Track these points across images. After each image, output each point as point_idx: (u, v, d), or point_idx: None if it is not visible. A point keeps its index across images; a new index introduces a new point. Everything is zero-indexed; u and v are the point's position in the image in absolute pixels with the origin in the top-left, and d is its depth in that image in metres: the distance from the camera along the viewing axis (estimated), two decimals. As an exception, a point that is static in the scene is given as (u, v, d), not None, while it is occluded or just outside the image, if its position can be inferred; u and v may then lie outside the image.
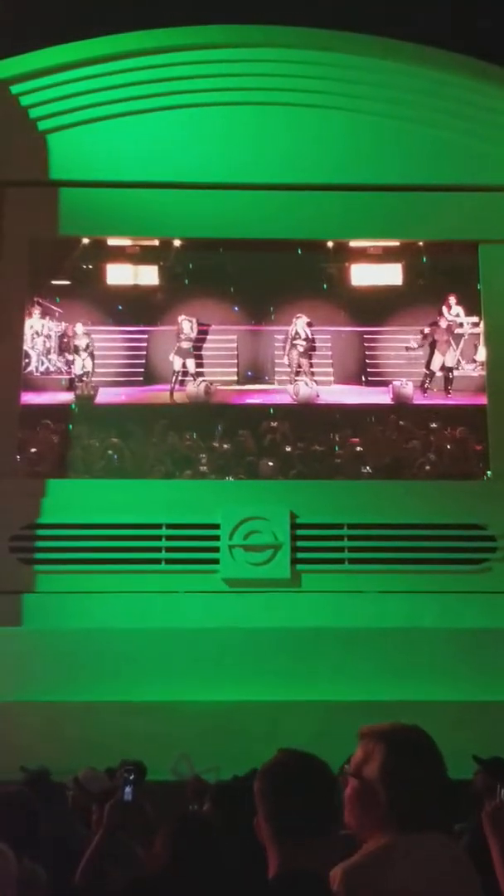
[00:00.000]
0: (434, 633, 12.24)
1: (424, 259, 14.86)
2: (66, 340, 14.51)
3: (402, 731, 2.84)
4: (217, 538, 13.11)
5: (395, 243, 14.90)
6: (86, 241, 14.72)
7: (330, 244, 14.86)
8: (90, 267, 14.77)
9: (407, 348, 14.58)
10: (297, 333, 14.51)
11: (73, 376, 14.44)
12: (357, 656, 11.86)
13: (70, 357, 14.47)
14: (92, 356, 14.49)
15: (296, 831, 2.54)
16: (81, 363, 14.45)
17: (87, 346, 14.49)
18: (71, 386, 14.42)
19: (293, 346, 14.50)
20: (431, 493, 13.67)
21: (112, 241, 14.80)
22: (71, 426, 14.21)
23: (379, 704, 11.04)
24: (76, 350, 14.47)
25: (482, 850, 3.27)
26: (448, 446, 14.23)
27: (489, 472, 13.95)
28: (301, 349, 14.49)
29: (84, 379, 14.42)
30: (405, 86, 14.28)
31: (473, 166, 14.32)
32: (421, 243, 14.88)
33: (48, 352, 14.48)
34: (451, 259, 14.86)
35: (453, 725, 10.60)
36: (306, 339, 14.52)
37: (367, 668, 11.69)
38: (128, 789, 4.21)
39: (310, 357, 14.55)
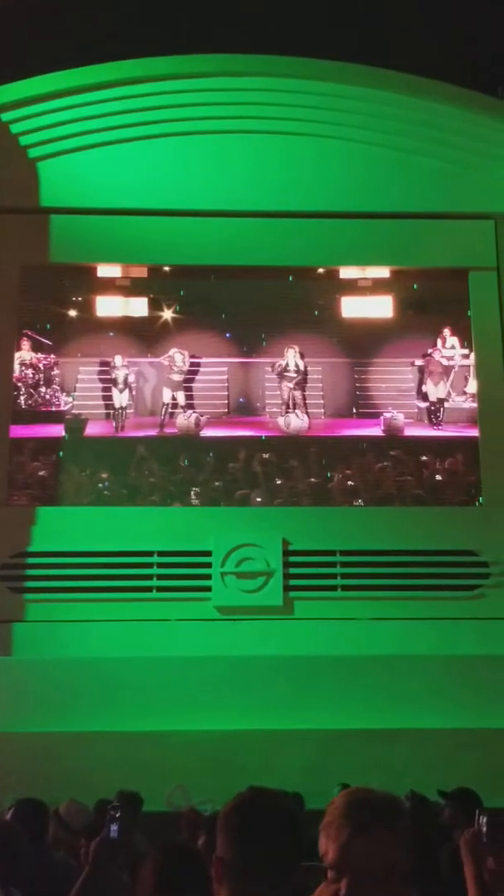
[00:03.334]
0: (428, 660, 12.15)
1: (416, 286, 14.88)
2: (107, 372, 14.35)
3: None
4: (209, 565, 13.00)
5: (385, 273, 14.91)
6: (76, 271, 14.67)
7: (322, 273, 14.90)
8: (80, 299, 14.67)
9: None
10: (287, 365, 14.49)
11: (68, 409, 14.32)
12: (351, 684, 11.77)
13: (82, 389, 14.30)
14: (130, 389, 14.34)
15: (255, 875, 2.36)
16: (119, 397, 14.26)
17: (126, 379, 14.33)
18: (108, 417, 14.25)
19: (284, 377, 14.47)
20: (424, 520, 13.61)
21: (102, 272, 14.74)
22: (61, 457, 14.08)
23: (373, 732, 11.01)
24: (115, 383, 14.29)
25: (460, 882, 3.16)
26: (438, 477, 14.17)
27: (481, 499, 13.91)
28: (292, 381, 14.46)
29: (119, 412, 14.25)
30: (396, 115, 14.39)
31: (463, 194, 14.43)
32: (412, 273, 14.92)
33: (37, 384, 14.37)
34: (444, 289, 14.84)
35: (448, 753, 10.59)
36: (297, 371, 14.49)
37: (361, 695, 11.60)
38: (114, 827, 4.11)
39: (302, 389, 14.52)
